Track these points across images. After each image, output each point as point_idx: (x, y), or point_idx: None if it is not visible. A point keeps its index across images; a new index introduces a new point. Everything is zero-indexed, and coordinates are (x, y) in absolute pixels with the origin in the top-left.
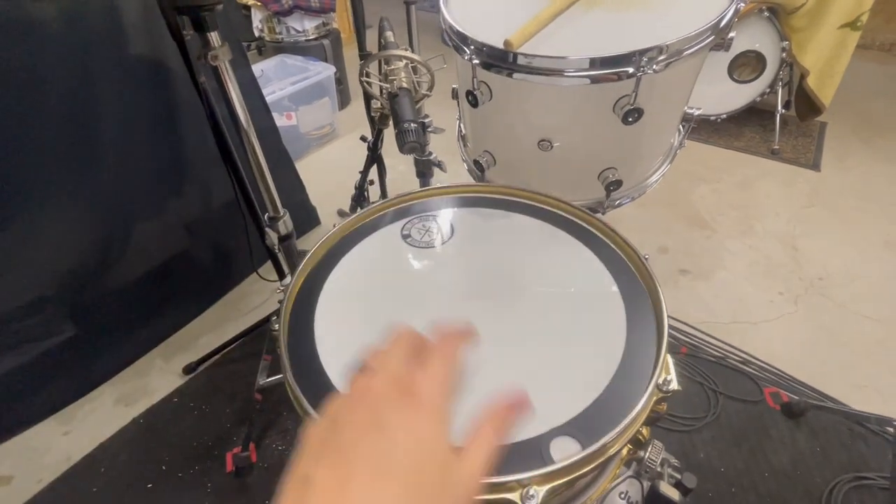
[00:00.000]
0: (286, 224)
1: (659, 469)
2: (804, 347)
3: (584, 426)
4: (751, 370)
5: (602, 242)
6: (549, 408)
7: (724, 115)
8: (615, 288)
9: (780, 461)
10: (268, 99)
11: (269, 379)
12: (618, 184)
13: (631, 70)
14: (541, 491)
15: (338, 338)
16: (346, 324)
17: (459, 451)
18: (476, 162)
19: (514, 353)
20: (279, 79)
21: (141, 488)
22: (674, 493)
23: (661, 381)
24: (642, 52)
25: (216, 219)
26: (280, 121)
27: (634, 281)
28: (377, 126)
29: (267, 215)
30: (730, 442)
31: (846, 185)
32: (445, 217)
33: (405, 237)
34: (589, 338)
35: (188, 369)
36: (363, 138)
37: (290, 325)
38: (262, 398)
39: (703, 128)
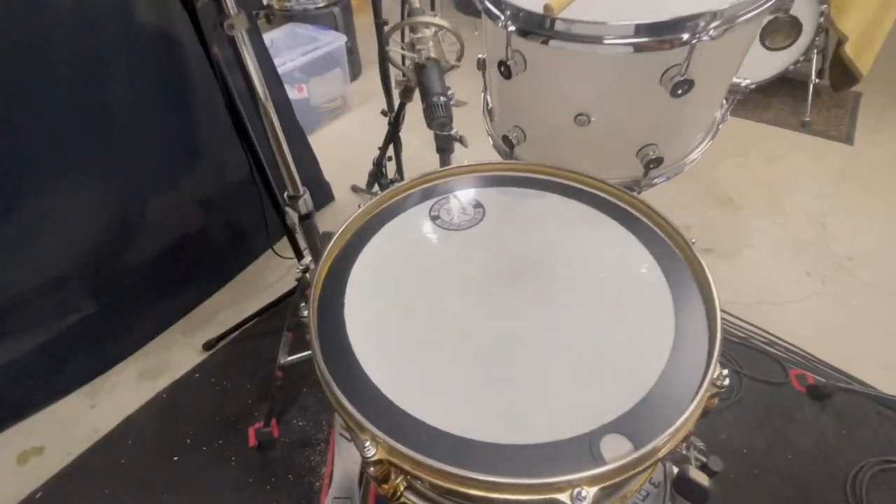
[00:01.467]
0: (307, 203)
1: (685, 452)
2: (831, 329)
3: (635, 423)
4: (776, 351)
5: (643, 225)
6: (596, 402)
7: (753, 85)
8: (660, 273)
9: (804, 443)
10: (279, 70)
11: (291, 357)
12: (658, 161)
13: (685, 37)
14: (591, 491)
15: (369, 326)
16: (377, 311)
17: None
18: (505, 137)
19: (555, 344)
20: (289, 49)
21: (167, 461)
22: (704, 479)
23: (715, 375)
24: (696, 18)
25: (231, 196)
26: (291, 93)
27: (680, 266)
28: (400, 99)
29: (286, 194)
30: (752, 424)
31: (880, 160)
32: (475, 197)
33: (434, 219)
34: (634, 327)
35: (208, 345)
36: (384, 112)
37: (319, 314)
38: (283, 375)
39: None
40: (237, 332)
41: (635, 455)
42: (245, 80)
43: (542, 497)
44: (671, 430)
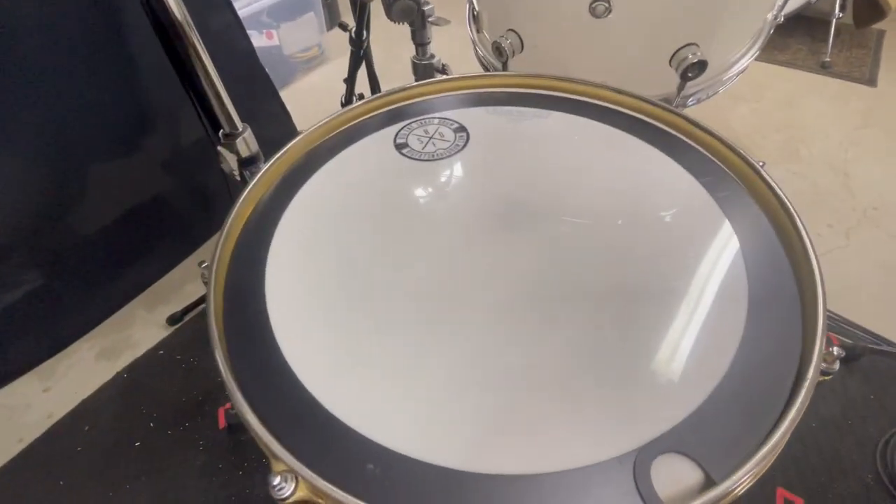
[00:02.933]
0: (248, 143)
1: None
2: (857, 285)
3: (701, 437)
4: None
5: (685, 146)
6: (637, 410)
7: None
8: (717, 210)
9: (830, 410)
10: (242, 13)
11: None
12: (700, 67)
13: None
14: None
15: (300, 301)
16: (312, 279)
17: None
18: (496, 46)
19: (567, 321)
20: None
21: (128, 446)
22: None
23: (823, 353)
24: None
25: (191, 157)
26: (259, 40)
27: (745, 201)
28: (359, 0)
29: (221, 132)
30: None
31: None
32: (456, 119)
33: (400, 147)
34: (682, 293)
35: (172, 320)
36: (342, 25)
37: (228, 278)
38: None
39: None
40: (203, 305)
41: (715, 492)
42: None
43: None
44: (769, 445)
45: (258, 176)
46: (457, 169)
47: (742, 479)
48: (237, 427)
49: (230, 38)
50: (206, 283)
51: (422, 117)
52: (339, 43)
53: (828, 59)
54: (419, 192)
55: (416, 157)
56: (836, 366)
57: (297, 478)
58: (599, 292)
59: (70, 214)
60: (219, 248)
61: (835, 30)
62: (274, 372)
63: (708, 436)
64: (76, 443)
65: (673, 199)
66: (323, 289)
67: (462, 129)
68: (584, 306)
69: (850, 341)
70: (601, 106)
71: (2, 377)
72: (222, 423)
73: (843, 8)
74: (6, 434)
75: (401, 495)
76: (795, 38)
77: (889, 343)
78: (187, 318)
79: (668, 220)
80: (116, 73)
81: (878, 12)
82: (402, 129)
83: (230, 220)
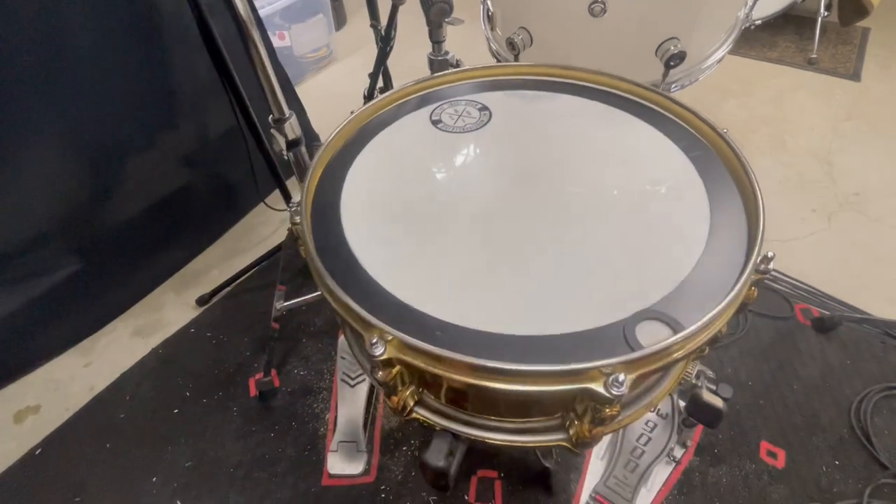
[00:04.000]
0: (293, 127)
1: (695, 381)
2: (837, 264)
3: (673, 310)
4: (781, 287)
5: (666, 119)
6: (629, 291)
7: (759, 22)
8: (688, 163)
9: (809, 374)
10: None
11: (287, 303)
12: (680, 57)
13: None
14: (629, 378)
15: (370, 228)
16: (378, 214)
17: None
18: (510, 41)
19: (581, 236)
20: None
21: (167, 414)
22: (718, 402)
23: (759, 259)
24: None
25: (216, 149)
26: (273, 41)
27: (710, 156)
28: (392, 2)
29: (271, 118)
30: (758, 357)
31: (888, 95)
32: (481, 101)
33: (435, 123)
34: (666, 217)
35: (202, 301)
36: (373, 25)
37: (313, 220)
38: (279, 326)
39: None
40: (231, 287)
41: (675, 338)
42: None
43: (574, 387)
44: (713, 312)
45: (324, 145)
46: (483, 138)
47: (697, 329)
48: (267, 394)
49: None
50: (298, 225)
51: (451, 99)
52: (346, 44)
53: (814, 56)
54: (453, 154)
55: (449, 130)
56: (772, 265)
57: (386, 341)
58: (601, 219)
59: (106, 203)
60: (304, 193)
61: (821, 28)
62: (359, 278)
63: (674, 309)
64: (119, 410)
65: (657, 157)
66: (388, 217)
67: (485, 108)
68: (591, 228)
69: (828, 312)
70: (598, 88)
71: (47, 353)
72: (253, 391)
73: (828, 7)
74: (54, 404)
75: (460, 348)
76: (784, 36)
77: (864, 313)
78: (215, 299)
79: (654, 171)
80: (148, 73)
81: (862, 10)
82: (435, 108)
83: (307, 179)
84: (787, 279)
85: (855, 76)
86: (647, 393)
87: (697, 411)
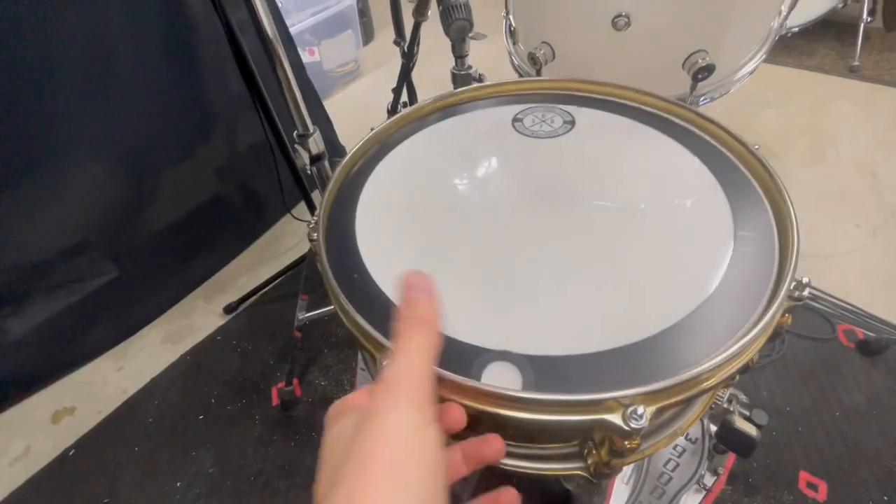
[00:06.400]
0: (317, 142)
1: (726, 405)
2: (883, 282)
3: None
4: (822, 307)
5: (695, 135)
6: (641, 314)
7: (796, 29)
8: (714, 183)
9: (854, 401)
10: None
11: (308, 314)
12: (709, 70)
13: None
14: (649, 411)
15: (385, 249)
16: (392, 228)
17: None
18: (531, 56)
19: (595, 253)
20: (298, 10)
21: (193, 419)
22: (751, 429)
23: (793, 286)
24: None
25: (246, 161)
26: (303, 57)
27: (738, 173)
28: (415, 19)
29: (295, 133)
30: (797, 381)
31: None
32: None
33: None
34: (690, 239)
35: (229, 309)
36: (397, 42)
37: (329, 237)
38: (302, 336)
39: None
40: (257, 296)
41: (706, 365)
42: (249, 12)
43: (589, 418)
44: (738, 345)
45: (342, 163)
46: (504, 153)
47: (732, 355)
48: (289, 404)
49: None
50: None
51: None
52: (373, 58)
53: (856, 63)
54: (472, 169)
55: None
56: (807, 292)
57: None
58: (621, 233)
59: (141, 214)
60: (326, 196)
61: (864, 34)
62: (371, 294)
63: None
64: (148, 415)
65: (679, 173)
66: (401, 231)
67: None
68: (607, 246)
69: (874, 334)
70: (623, 103)
71: (83, 357)
72: (275, 401)
73: (871, 13)
74: (88, 406)
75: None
76: (824, 43)
77: None
78: (242, 307)
79: (679, 185)
80: (184, 89)
81: None
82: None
83: (329, 187)
84: (829, 298)
85: None
86: (673, 421)
87: (729, 439)
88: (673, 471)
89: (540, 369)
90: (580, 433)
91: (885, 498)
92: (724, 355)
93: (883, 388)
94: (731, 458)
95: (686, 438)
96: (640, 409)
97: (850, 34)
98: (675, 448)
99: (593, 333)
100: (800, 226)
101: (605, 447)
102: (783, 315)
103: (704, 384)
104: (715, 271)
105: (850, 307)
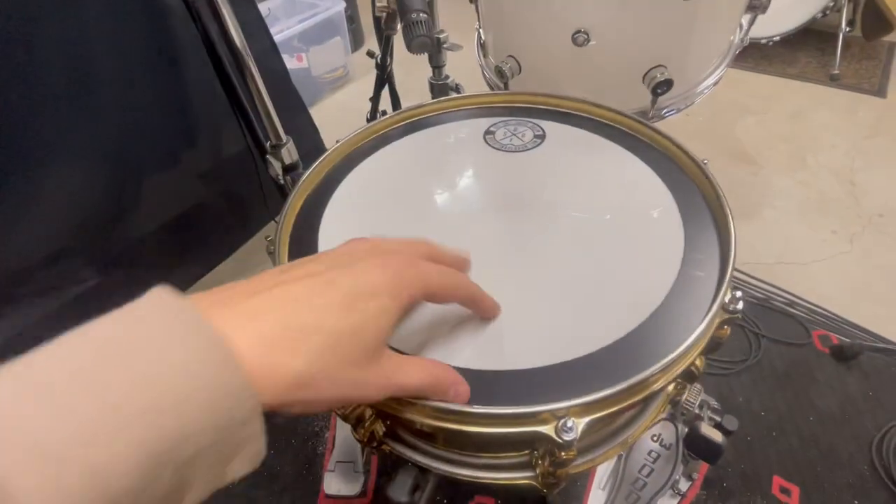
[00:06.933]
0: (290, 152)
1: (697, 411)
2: (859, 288)
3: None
4: (798, 312)
5: (650, 148)
6: (587, 329)
7: (777, 38)
8: (670, 198)
9: (828, 405)
10: (276, 39)
11: None
12: (667, 84)
13: None
14: (580, 423)
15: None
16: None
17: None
18: (498, 69)
19: (542, 268)
20: (287, 17)
21: None
22: (717, 435)
23: (727, 298)
24: None
25: (229, 168)
26: (291, 63)
27: (692, 189)
28: (384, 32)
29: (268, 143)
30: (772, 386)
31: None
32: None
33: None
34: (639, 253)
35: None
36: (370, 53)
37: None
38: None
39: (750, 53)
40: None
41: (631, 381)
42: (219, 27)
43: (524, 430)
44: (671, 357)
45: (305, 175)
46: (465, 165)
47: (652, 374)
48: (268, 414)
49: (268, 62)
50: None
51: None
52: (362, 64)
53: (836, 72)
54: (434, 180)
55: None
56: (740, 305)
57: None
58: (569, 250)
59: (123, 221)
60: (287, 208)
61: (844, 43)
62: None
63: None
64: None
65: (635, 186)
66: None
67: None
68: (555, 259)
69: (849, 340)
70: (582, 116)
71: None
72: None
73: (850, 23)
74: None
75: None
76: (804, 51)
77: (887, 341)
78: None
79: (632, 200)
80: (167, 96)
81: (887, 26)
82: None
83: (288, 203)
84: (805, 303)
85: (880, 92)
86: (623, 430)
87: (695, 445)
88: (648, 476)
89: (483, 383)
90: (525, 444)
91: (856, 501)
92: (660, 364)
93: (856, 393)
94: (705, 464)
95: (660, 444)
96: (571, 423)
97: (830, 43)
98: (649, 454)
99: (535, 348)
100: (765, 246)
101: (546, 458)
102: (722, 328)
103: (640, 394)
104: (659, 291)
105: (826, 313)
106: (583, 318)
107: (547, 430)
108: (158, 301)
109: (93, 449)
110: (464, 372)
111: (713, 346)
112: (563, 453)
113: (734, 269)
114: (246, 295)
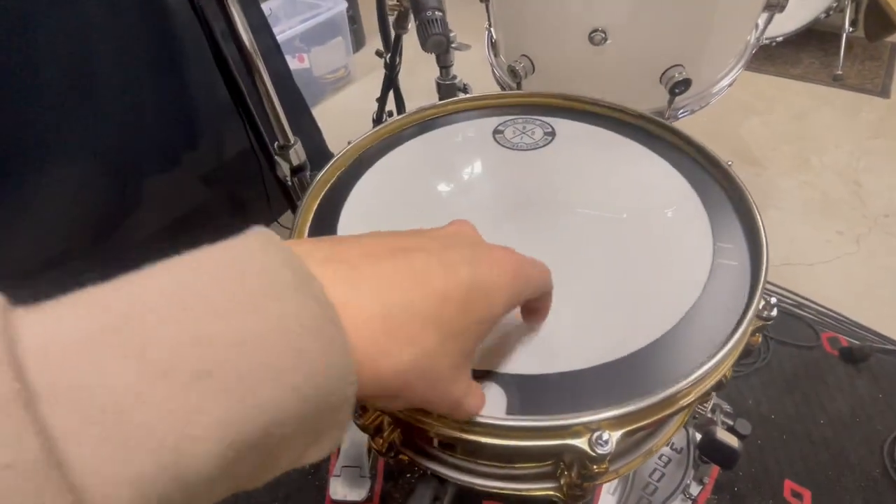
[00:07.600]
0: (298, 153)
1: (710, 415)
2: (867, 289)
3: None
4: (805, 314)
5: (673, 148)
6: (617, 335)
7: (780, 38)
8: (696, 199)
9: (838, 408)
10: (278, 39)
11: None
12: (685, 84)
13: None
14: (615, 436)
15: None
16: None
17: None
18: (511, 69)
19: (568, 271)
20: (288, 17)
21: None
22: (733, 441)
23: (761, 305)
24: None
25: (232, 169)
26: (292, 63)
27: (717, 191)
28: (394, 31)
29: (276, 144)
30: (781, 388)
31: None
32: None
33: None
34: (666, 257)
35: None
36: (379, 53)
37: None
38: None
39: (754, 55)
40: None
41: (669, 391)
42: (227, 24)
43: (555, 443)
44: (706, 367)
45: (318, 176)
46: (484, 164)
47: (694, 380)
48: None
49: (271, 62)
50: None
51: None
52: (364, 64)
53: (839, 72)
54: (450, 179)
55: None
56: (775, 313)
57: None
58: (594, 253)
59: (125, 222)
60: (302, 209)
61: (847, 43)
62: None
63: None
64: None
65: (657, 187)
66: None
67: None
68: (581, 263)
69: (858, 342)
70: (602, 115)
71: None
72: None
73: (853, 23)
74: None
75: None
76: (807, 52)
77: None
78: None
79: (655, 201)
80: (170, 96)
81: (890, 26)
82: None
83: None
84: (813, 305)
85: (883, 92)
86: (647, 440)
87: (711, 451)
88: (658, 481)
89: (521, 388)
90: (552, 455)
91: None
92: (695, 375)
93: (866, 396)
94: (716, 468)
95: (672, 448)
96: (606, 436)
97: (833, 43)
98: (660, 458)
99: (570, 351)
100: (770, 247)
101: (574, 470)
102: (753, 335)
103: (674, 407)
104: (693, 291)
105: (834, 314)
106: (613, 321)
107: (580, 443)
108: (261, 250)
109: (174, 424)
110: (505, 377)
111: (744, 354)
112: (595, 467)
113: (766, 274)
114: (364, 257)
